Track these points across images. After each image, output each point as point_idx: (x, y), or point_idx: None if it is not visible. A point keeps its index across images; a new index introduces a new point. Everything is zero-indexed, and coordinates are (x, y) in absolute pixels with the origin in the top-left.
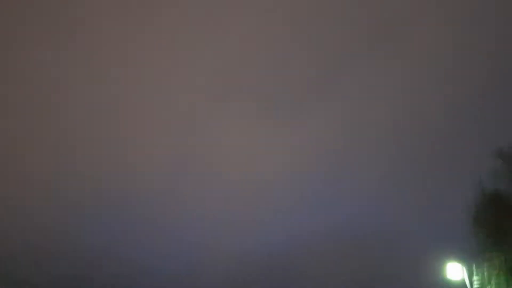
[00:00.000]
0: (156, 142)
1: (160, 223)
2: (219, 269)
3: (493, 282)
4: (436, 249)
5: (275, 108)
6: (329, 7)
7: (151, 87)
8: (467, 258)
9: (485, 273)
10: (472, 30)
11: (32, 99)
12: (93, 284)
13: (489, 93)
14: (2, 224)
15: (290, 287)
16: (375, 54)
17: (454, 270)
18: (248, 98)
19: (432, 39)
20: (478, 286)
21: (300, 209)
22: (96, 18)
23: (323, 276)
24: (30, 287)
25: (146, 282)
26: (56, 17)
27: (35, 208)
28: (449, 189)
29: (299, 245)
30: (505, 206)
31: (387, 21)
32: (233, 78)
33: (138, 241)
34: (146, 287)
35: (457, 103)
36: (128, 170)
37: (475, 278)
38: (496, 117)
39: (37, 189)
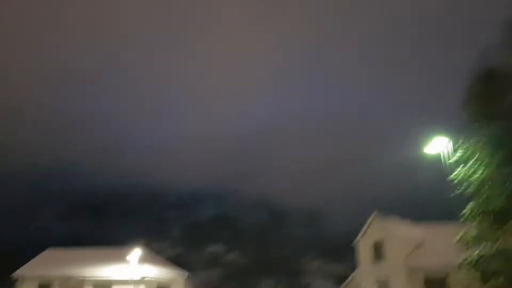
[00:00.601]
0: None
1: (140, 92)
2: (203, 143)
3: (477, 156)
4: (423, 122)
5: None
6: None
7: None
8: (454, 132)
9: (470, 147)
10: None
11: None
12: (76, 148)
13: None
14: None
15: (272, 161)
16: None
17: (439, 144)
18: None
19: None
20: (461, 159)
21: (284, 87)
22: None
23: (306, 152)
24: None
25: (128, 152)
26: None
27: (35, 72)
28: (446, 62)
29: (283, 122)
30: (504, 80)
31: None
32: None
33: (122, 108)
34: (128, 158)
35: None
36: (112, 32)
37: (459, 152)
38: None
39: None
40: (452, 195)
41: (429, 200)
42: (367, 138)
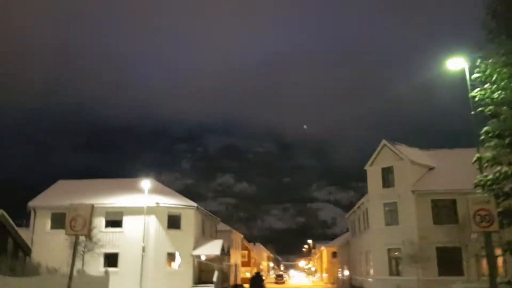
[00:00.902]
0: None
1: (146, 26)
2: (212, 75)
3: (495, 76)
4: (441, 41)
5: None
6: None
7: None
8: (471, 51)
9: (489, 67)
10: None
11: None
12: (87, 84)
13: None
14: None
15: (280, 93)
16: None
17: (456, 63)
18: None
19: None
20: (478, 79)
21: (289, 19)
22: None
23: (315, 82)
24: None
25: (137, 88)
26: None
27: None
28: None
29: (291, 54)
30: None
31: None
32: None
33: (129, 45)
34: (137, 93)
35: None
36: None
37: (477, 72)
38: None
39: None
40: (472, 113)
41: (440, 127)
42: (378, 67)
